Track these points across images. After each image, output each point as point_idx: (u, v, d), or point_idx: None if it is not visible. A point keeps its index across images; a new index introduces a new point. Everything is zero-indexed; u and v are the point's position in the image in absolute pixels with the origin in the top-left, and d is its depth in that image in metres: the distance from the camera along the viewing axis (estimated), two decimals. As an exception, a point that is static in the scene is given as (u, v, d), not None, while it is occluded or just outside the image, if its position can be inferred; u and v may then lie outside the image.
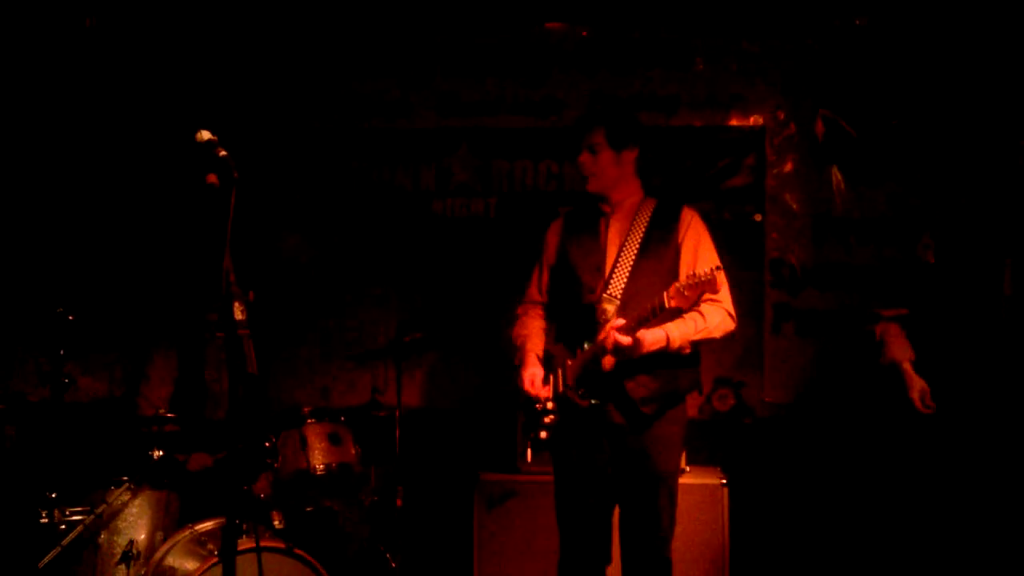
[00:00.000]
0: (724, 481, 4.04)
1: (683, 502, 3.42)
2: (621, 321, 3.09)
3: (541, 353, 3.43)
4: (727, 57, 4.83)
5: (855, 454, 4.41)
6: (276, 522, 3.54)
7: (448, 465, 4.68)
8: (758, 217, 4.79)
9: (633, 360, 3.14)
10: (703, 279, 2.89)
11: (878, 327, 3.73)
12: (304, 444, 3.83)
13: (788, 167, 4.82)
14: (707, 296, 3.03)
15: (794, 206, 4.80)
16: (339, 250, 4.95)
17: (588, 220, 3.42)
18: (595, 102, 4.87)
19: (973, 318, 3.46)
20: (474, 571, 4.12)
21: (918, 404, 3.55)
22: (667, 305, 2.97)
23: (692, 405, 4.38)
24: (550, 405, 3.30)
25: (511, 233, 4.87)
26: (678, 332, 3.16)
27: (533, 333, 3.49)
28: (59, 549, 3.23)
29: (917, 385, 3.56)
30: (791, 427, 4.67)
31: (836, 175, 4.76)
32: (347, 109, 4.99)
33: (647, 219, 3.30)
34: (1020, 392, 3.34)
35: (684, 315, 3.16)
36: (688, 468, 4.08)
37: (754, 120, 4.84)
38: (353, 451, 3.96)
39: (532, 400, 3.34)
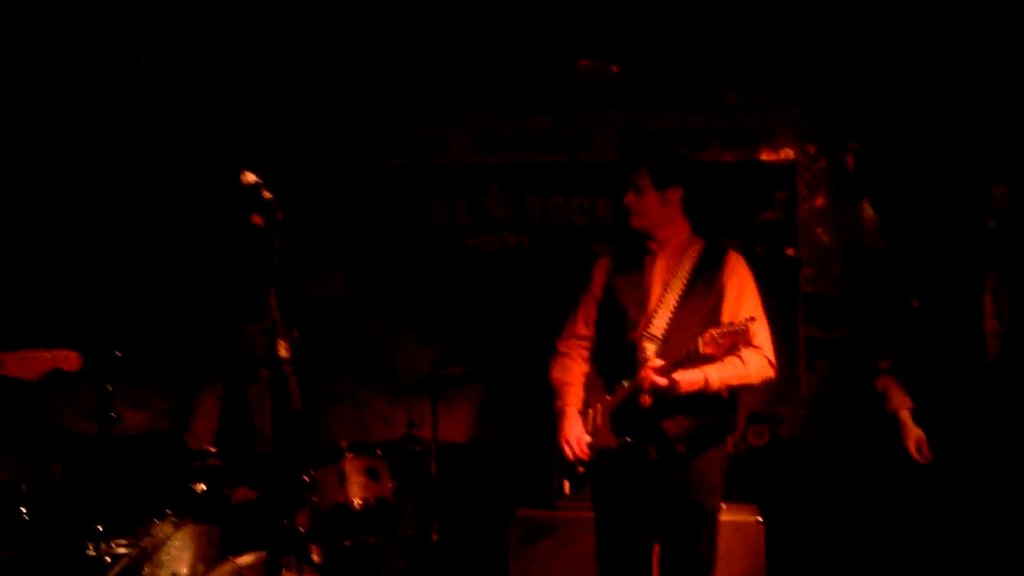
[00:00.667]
0: (760, 519, 4.02)
1: (719, 540, 3.41)
2: (660, 362, 3.11)
3: (580, 406, 3.40)
4: (756, 92, 4.90)
5: (887, 490, 4.38)
6: (315, 556, 3.57)
7: (484, 500, 4.70)
8: (790, 252, 4.81)
9: (670, 400, 3.15)
10: (737, 329, 2.91)
11: (879, 380, 3.75)
12: (342, 478, 3.88)
13: (820, 201, 4.84)
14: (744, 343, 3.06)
15: (826, 240, 4.82)
16: (377, 286, 5.04)
17: (635, 257, 3.41)
18: (626, 138, 4.93)
19: (955, 361, 3.48)
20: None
21: (914, 454, 3.57)
22: (701, 351, 2.99)
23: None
24: (587, 439, 3.31)
25: (544, 267, 4.93)
26: (717, 376, 3.15)
27: (574, 382, 3.45)
28: (104, 582, 3.28)
29: (913, 435, 3.57)
30: (828, 463, 4.64)
31: (868, 208, 4.78)
32: (384, 147, 5.10)
33: (694, 260, 3.30)
34: (1005, 429, 3.34)
35: (725, 359, 3.15)
36: (724, 506, 4.06)
37: (784, 154, 4.88)
38: (390, 485, 3.99)
39: (572, 459, 3.33)
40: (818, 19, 4.64)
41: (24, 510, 3.46)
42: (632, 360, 3.25)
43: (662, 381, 3.07)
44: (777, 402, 4.73)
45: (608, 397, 3.32)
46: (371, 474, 3.94)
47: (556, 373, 3.51)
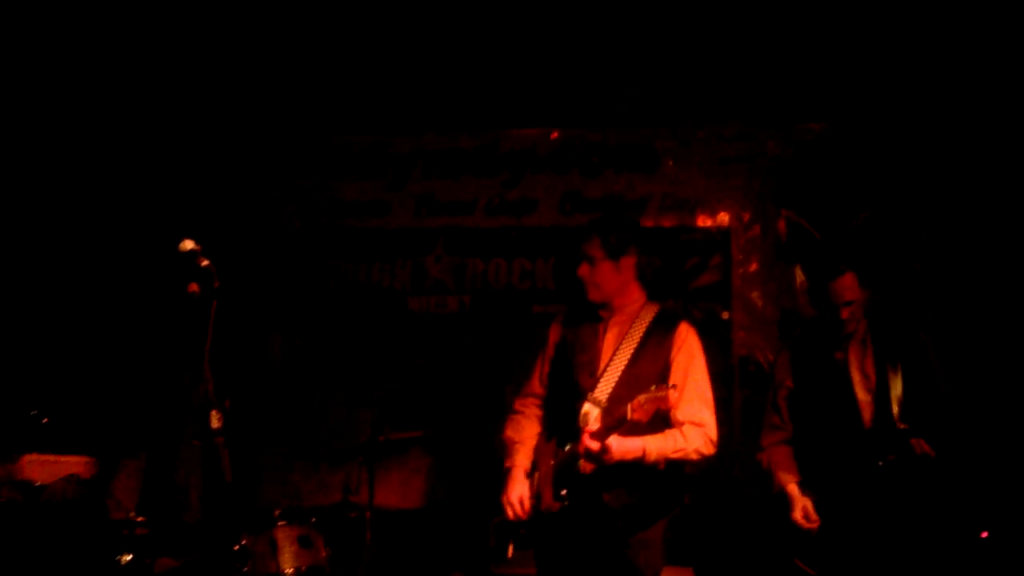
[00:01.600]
0: (697, 582, 4.03)
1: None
2: (596, 426, 3.12)
3: (528, 466, 3.39)
4: (693, 160, 5.02)
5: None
6: (245, 628, 3.48)
7: (420, 565, 4.63)
8: (725, 315, 4.91)
9: (611, 469, 3.14)
10: (658, 395, 2.93)
11: (762, 456, 3.73)
12: (274, 547, 3.78)
13: (753, 267, 4.96)
14: (691, 420, 3.12)
15: (759, 304, 4.93)
16: (315, 348, 5.00)
17: (588, 321, 3.38)
18: (566, 202, 5.02)
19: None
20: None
21: (801, 522, 3.52)
22: (629, 416, 2.99)
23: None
24: (529, 501, 3.29)
25: (486, 330, 4.94)
26: (655, 447, 3.14)
27: (525, 442, 3.44)
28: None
29: (799, 504, 3.53)
30: (763, 524, 4.67)
31: (799, 274, 4.91)
32: (327, 209, 5.12)
33: (644, 327, 3.28)
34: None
35: (666, 432, 3.17)
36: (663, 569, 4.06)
37: (720, 220, 5.00)
38: (324, 554, 3.91)
39: (513, 519, 3.30)
40: (757, 81, 4.81)
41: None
42: (575, 424, 3.23)
43: (594, 445, 3.06)
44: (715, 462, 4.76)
45: (552, 460, 3.31)
46: (304, 542, 3.86)
47: (509, 432, 3.49)
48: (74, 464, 3.81)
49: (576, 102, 5.02)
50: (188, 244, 2.52)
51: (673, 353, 3.26)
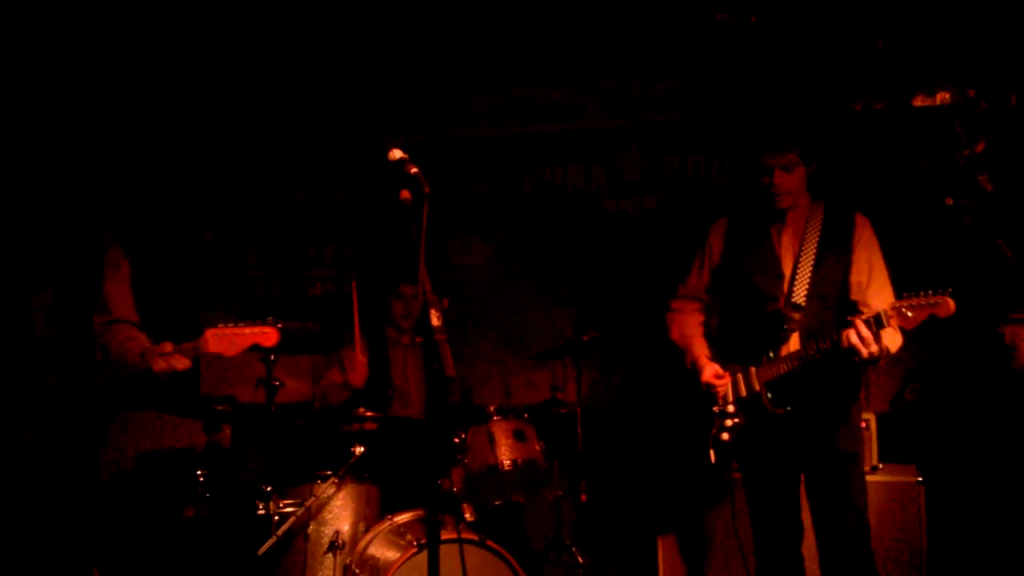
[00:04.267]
0: (920, 479, 3.90)
1: (879, 500, 3.35)
2: (865, 330, 3.03)
3: (710, 354, 3.44)
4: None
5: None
6: (467, 515, 3.70)
7: (629, 460, 4.73)
8: (949, 201, 4.57)
9: (826, 368, 3.15)
10: (931, 302, 2.89)
11: (1006, 328, 3.56)
12: (491, 441, 3.98)
13: (980, 147, 4.56)
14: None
15: (989, 188, 4.54)
16: (516, 252, 5.10)
17: (758, 225, 3.40)
18: (771, 92, 4.78)
19: None
20: (659, 566, 4.15)
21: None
22: (886, 324, 2.98)
23: (883, 399, 4.22)
24: (731, 408, 3.31)
25: (683, 227, 4.87)
26: (893, 341, 3.14)
27: (697, 334, 3.51)
28: (275, 538, 3.50)
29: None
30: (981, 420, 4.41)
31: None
32: (519, 115, 5.13)
33: (819, 226, 3.31)
34: None
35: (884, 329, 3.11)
36: (881, 465, 3.96)
37: (941, 99, 4.62)
38: (537, 447, 4.08)
39: (713, 399, 3.35)
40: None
41: (200, 472, 3.72)
42: (778, 330, 3.25)
43: (866, 332, 3.00)
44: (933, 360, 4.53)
45: (754, 368, 3.29)
46: (518, 436, 4.03)
47: (675, 331, 3.56)
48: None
49: None
50: (396, 153, 2.59)
51: (853, 247, 3.26)
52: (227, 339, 3.05)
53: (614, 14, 4.94)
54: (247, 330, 3.06)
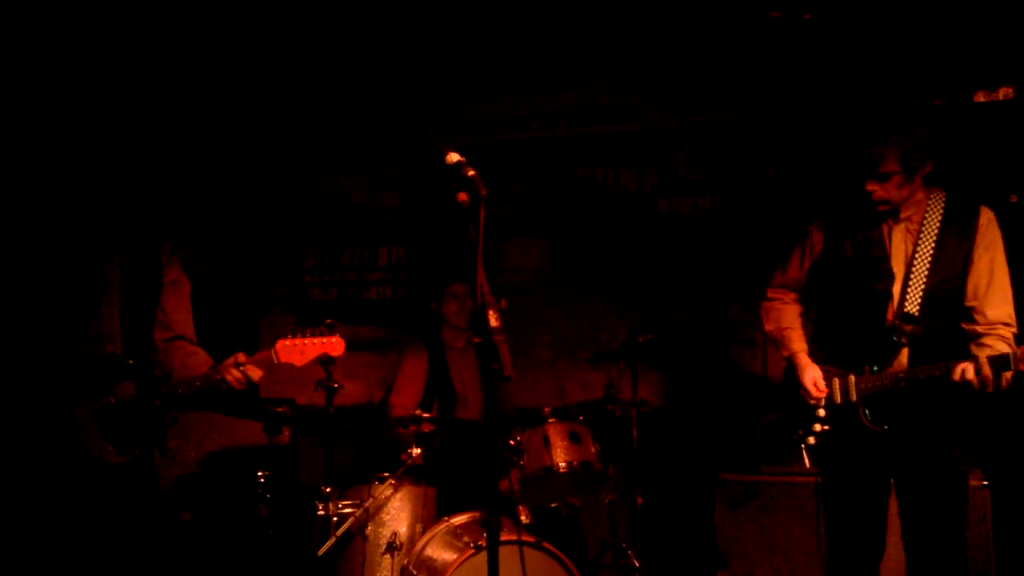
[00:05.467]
0: (985, 482, 3.80)
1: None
2: (987, 370, 2.85)
3: (807, 350, 3.30)
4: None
5: None
6: (523, 517, 3.70)
7: (685, 463, 4.69)
8: (1014, 199, 4.45)
9: (934, 391, 2.99)
10: None
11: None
12: (547, 442, 3.97)
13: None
14: (1003, 320, 2.95)
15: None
16: (570, 255, 5.10)
17: (867, 221, 3.14)
18: (826, 92, 4.70)
19: None
20: (717, 571, 4.11)
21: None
22: (1013, 368, 2.82)
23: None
24: (821, 413, 3.20)
25: (740, 227, 4.82)
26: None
27: (796, 326, 3.36)
28: (334, 539, 3.55)
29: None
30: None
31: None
32: (571, 117, 5.13)
33: (938, 222, 3.03)
34: None
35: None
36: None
37: (1004, 93, 4.50)
38: (593, 449, 4.06)
39: (808, 403, 3.23)
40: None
41: (260, 474, 3.78)
42: (884, 342, 3.06)
43: (990, 388, 2.84)
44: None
45: (854, 376, 3.13)
46: (573, 438, 4.02)
47: (772, 321, 3.42)
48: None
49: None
50: (454, 156, 2.61)
51: (975, 245, 3.00)
52: (297, 349, 3.12)
53: (666, 14, 4.90)
54: (316, 340, 3.13)
